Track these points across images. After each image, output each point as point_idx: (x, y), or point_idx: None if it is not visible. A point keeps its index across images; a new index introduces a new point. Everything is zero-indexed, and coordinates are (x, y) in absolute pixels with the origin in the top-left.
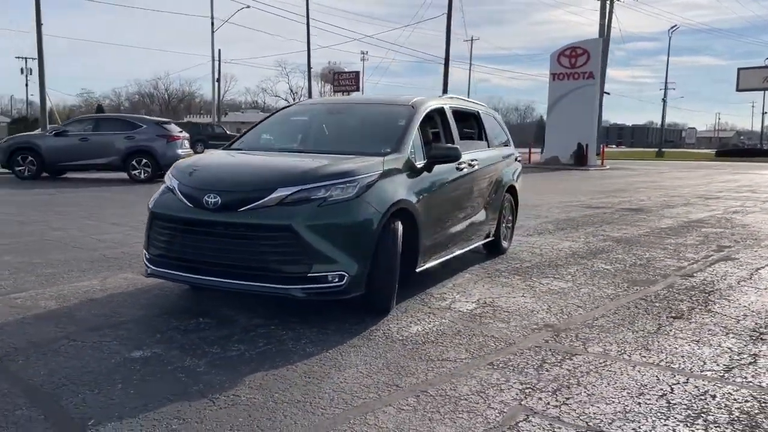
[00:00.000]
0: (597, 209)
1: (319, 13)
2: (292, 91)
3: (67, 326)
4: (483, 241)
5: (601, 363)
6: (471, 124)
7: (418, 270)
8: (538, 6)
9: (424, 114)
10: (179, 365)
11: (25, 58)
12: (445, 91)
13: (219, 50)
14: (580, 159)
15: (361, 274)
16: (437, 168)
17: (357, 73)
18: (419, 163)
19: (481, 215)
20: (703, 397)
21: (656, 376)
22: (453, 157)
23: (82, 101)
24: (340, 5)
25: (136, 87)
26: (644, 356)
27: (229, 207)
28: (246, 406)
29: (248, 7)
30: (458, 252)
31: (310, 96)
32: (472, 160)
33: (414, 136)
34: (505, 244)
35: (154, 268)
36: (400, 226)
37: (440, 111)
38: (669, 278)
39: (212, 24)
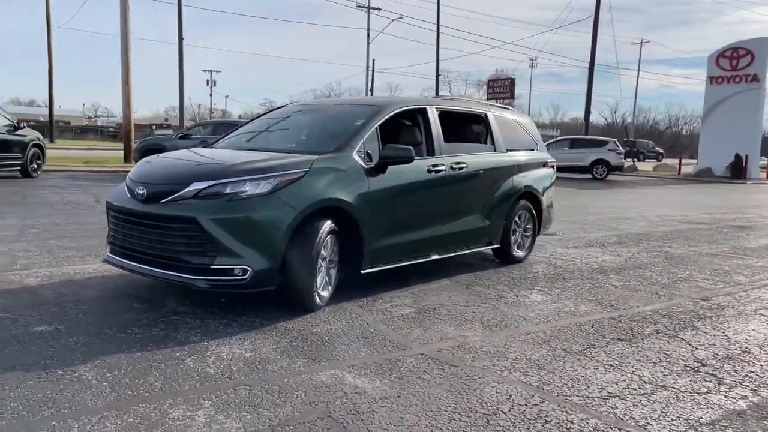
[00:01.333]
0: (694, 224)
1: (485, 23)
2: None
3: (9, 301)
4: (481, 248)
5: (469, 375)
6: (473, 127)
7: (363, 272)
8: (731, 3)
9: (390, 115)
10: (63, 341)
11: (210, 71)
12: (588, 97)
13: (373, 60)
14: (737, 171)
15: (268, 270)
16: (396, 169)
17: (512, 80)
18: (369, 164)
19: (474, 220)
20: (534, 421)
21: (511, 395)
22: (403, 158)
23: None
24: (508, 13)
25: (312, 96)
26: (527, 374)
27: (152, 199)
28: (71, 382)
29: (401, 17)
30: (437, 257)
31: None
32: (456, 164)
33: (368, 136)
34: (519, 252)
35: (107, 254)
36: (326, 226)
37: (421, 112)
38: (675, 299)
39: (368, 35)
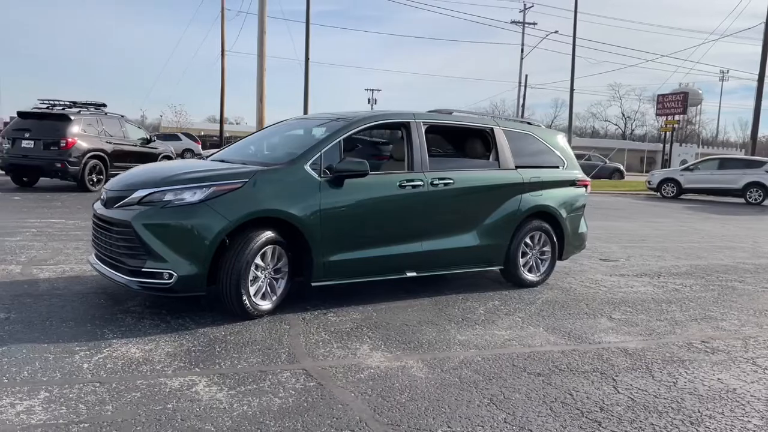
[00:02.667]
0: None
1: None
2: (624, 115)
3: (4, 290)
4: (477, 269)
5: (321, 396)
6: (473, 143)
7: (314, 284)
8: None
9: (356, 129)
10: (8, 327)
11: (372, 90)
12: (756, 112)
13: (526, 76)
14: None
15: (194, 276)
16: (358, 183)
17: (685, 94)
18: (324, 177)
19: (466, 239)
20: None
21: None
22: (357, 172)
23: None
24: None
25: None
26: (378, 413)
27: (109, 204)
28: None
29: (556, 32)
30: (414, 274)
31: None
32: (440, 179)
33: (328, 150)
34: (530, 276)
35: (90, 255)
36: (264, 236)
37: (404, 126)
38: (667, 337)
39: (522, 50)
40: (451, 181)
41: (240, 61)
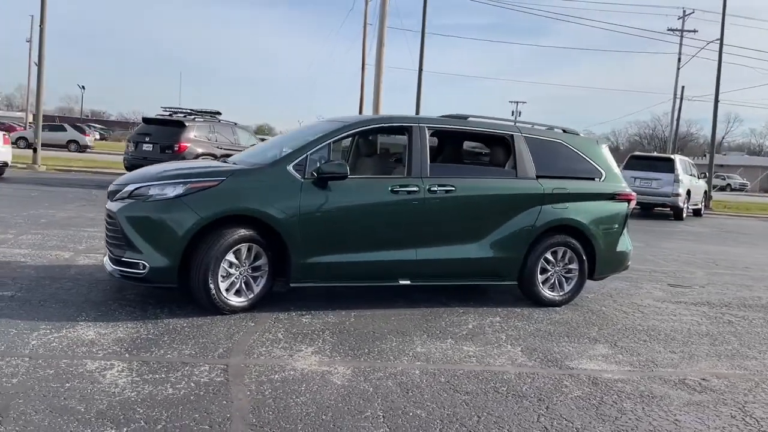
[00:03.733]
0: None
1: None
2: None
3: (36, 272)
4: (486, 282)
5: (197, 397)
6: (486, 149)
7: (292, 285)
8: None
9: (349, 132)
10: (5, 303)
11: (516, 102)
12: None
13: (682, 87)
14: None
15: (164, 268)
16: (346, 186)
17: None
18: (307, 179)
19: (471, 250)
20: None
21: None
22: (335, 174)
23: None
24: None
25: (636, 128)
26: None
27: (111, 196)
28: None
29: (717, 40)
30: (408, 282)
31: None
32: (439, 186)
33: (316, 151)
34: (550, 294)
35: None
36: (237, 234)
37: (406, 130)
38: (660, 370)
39: (678, 60)
40: (453, 189)
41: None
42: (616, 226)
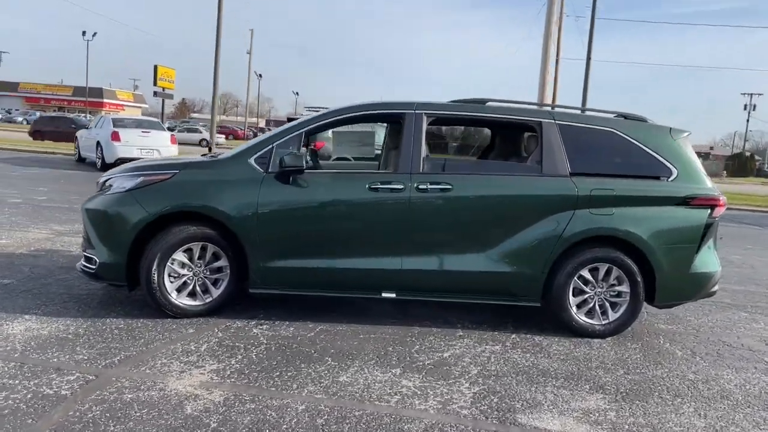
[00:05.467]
0: None
1: None
2: None
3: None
4: (497, 301)
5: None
6: (511, 140)
7: (252, 291)
8: None
9: (327, 121)
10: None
11: (750, 94)
12: None
13: None
14: None
15: (112, 265)
16: (310, 181)
17: None
18: (269, 173)
19: (477, 261)
20: None
21: None
22: (293, 167)
23: None
24: None
25: None
26: None
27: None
28: None
29: None
30: (392, 296)
31: None
32: (431, 184)
33: (283, 142)
34: (586, 321)
35: None
36: (186, 232)
37: (399, 119)
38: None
39: None
40: (449, 188)
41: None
42: (690, 238)
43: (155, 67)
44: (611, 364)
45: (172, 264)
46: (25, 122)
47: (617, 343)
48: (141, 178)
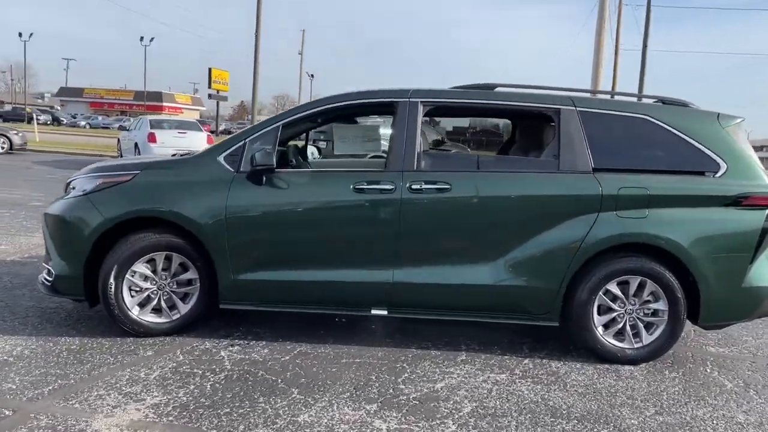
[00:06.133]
0: None
1: None
2: None
3: None
4: (508, 320)
5: None
6: (524, 131)
7: (221, 307)
8: None
9: (307, 113)
10: None
11: None
12: None
13: None
14: None
15: (68, 277)
16: (286, 180)
17: None
18: (241, 172)
19: (474, 274)
20: None
21: None
22: (260, 165)
23: None
24: None
25: None
26: None
27: None
28: None
29: None
30: (382, 313)
31: None
32: (426, 183)
33: (258, 137)
34: (614, 343)
35: None
36: (147, 240)
37: (391, 107)
38: None
39: None
40: (447, 187)
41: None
42: (743, 246)
43: (209, 70)
44: (641, 400)
45: (133, 276)
46: (87, 126)
47: (652, 371)
48: (100, 180)
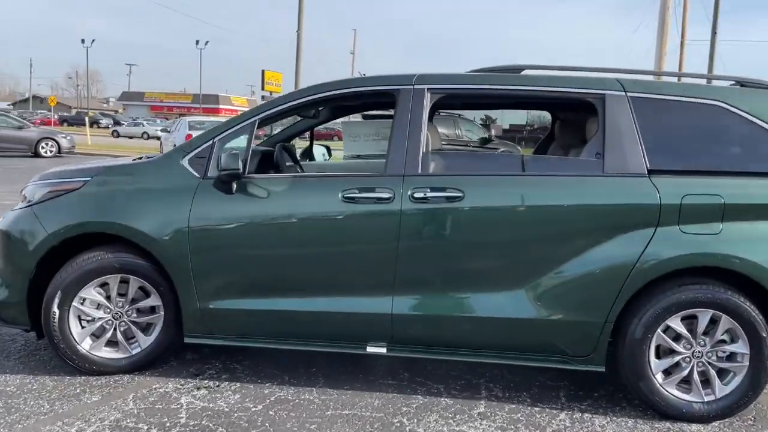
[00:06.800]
0: None
1: None
2: None
3: None
4: (535, 363)
5: None
6: (559, 124)
7: (186, 341)
8: None
9: (288, 105)
10: None
11: None
12: None
13: None
14: None
15: (11, 303)
16: (262, 187)
17: None
18: (207, 178)
19: (493, 304)
20: None
21: None
22: (224, 170)
23: None
24: None
25: None
26: None
27: None
28: None
29: None
30: (379, 351)
31: None
32: (432, 191)
33: (228, 135)
34: (679, 396)
35: None
36: (95, 260)
37: (391, 97)
38: None
39: None
40: (459, 195)
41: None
42: None
43: (263, 72)
44: None
45: (82, 304)
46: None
47: (727, 431)
48: (47, 189)
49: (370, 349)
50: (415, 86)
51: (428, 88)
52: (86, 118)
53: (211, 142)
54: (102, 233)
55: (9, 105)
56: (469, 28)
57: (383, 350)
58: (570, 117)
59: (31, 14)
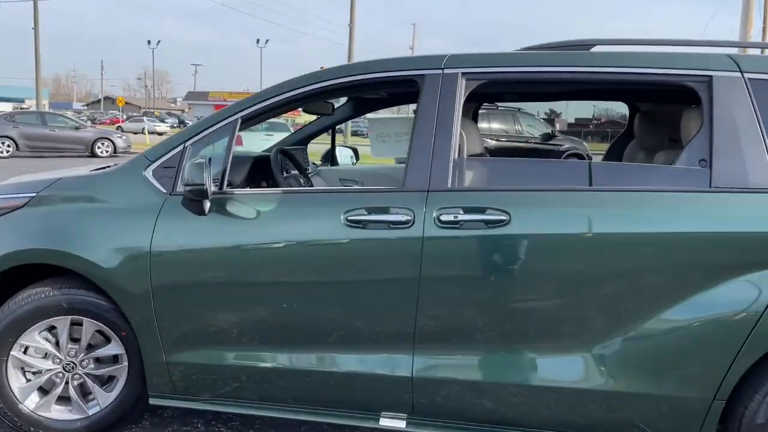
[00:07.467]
0: None
1: None
2: None
3: None
4: None
5: None
6: (642, 116)
7: (151, 402)
8: None
9: (276, 99)
10: None
11: None
12: None
13: None
14: None
15: None
16: (240, 207)
17: None
18: (175, 194)
19: (553, 369)
20: None
21: None
22: (189, 185)
23: None
24: None
25: None
26: None
27: None
28: None
29: None
30: (402, 426)
31: None
32: (465, 212)
33: (202, 138)
34: None
35: None
36: (39, 298)
37: (412, 85)
38: None
39: None
40: (503, 219)
41: None
42: None
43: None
44: None
45: (24, 353)
46: None
47: None
48: None
49: (384, 422)
50: (445, 70)
51: (463, 73)
52: (145, 119)
53: (181, 147)
54: (47, 264)
55: (83, 105)
56: (546, 18)
57: (402, 424)
58: (656, 108)
59: (106, 17)
